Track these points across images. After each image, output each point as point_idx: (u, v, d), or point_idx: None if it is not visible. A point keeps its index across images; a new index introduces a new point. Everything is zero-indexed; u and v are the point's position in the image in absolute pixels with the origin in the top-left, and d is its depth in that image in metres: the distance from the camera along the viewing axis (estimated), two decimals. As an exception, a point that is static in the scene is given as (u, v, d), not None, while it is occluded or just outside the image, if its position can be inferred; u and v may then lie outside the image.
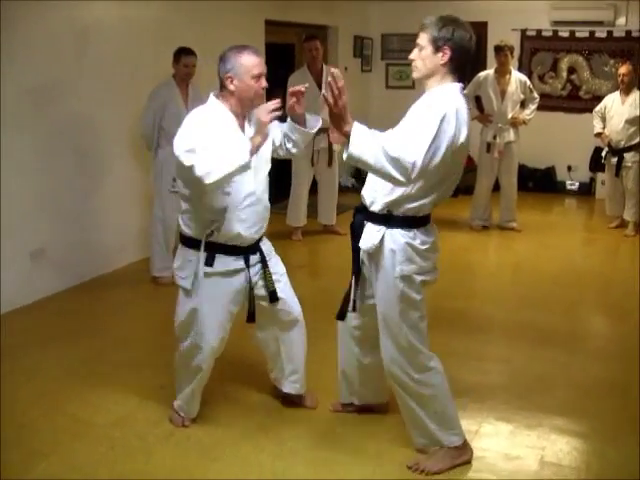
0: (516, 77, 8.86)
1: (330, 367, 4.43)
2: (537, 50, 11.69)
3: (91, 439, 4.09)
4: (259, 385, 4.68)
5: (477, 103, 9.14)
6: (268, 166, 4.04)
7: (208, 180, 3.50)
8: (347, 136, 3.17)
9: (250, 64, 3.73)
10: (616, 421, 4.35)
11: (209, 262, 3.87)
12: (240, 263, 3.94)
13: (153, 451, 3.96)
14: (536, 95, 8.86)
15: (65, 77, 6.50)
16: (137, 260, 7.40)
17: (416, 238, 3.56)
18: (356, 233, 3.71)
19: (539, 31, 11.62)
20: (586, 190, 11.52)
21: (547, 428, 4.23)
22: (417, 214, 3.55)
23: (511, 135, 8.89)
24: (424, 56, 3.48)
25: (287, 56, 10.38)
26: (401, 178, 3.19)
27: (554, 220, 10.26)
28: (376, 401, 4.31)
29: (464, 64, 3.52)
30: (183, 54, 6.69)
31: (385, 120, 12.69)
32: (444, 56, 3.42)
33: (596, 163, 10.98)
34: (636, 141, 8.84)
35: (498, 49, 8.78)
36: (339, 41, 11.40)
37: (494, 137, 8.80)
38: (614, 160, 8.98)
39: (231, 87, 3.75)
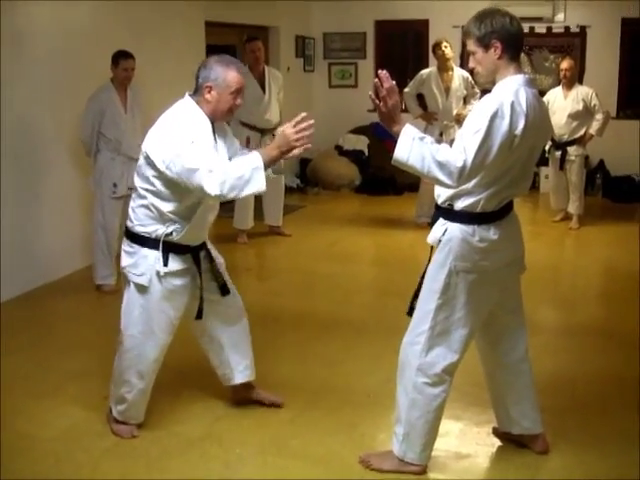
0: (458, 73, 8.89)
1: (277, 368, 4.38)
2: (478, 46, 11.72)
3: (36, 454, 3.99)
4: (205, 392, 4.63)
5: (420, 101, 9.15)
6: None
7: (221, 198, 3.63)
8: (397, 136, 3.18)
9: (232, 81, 3.77)
10: (567, 415, 4.36)
11: (165, 261, 3.86)
12: (190, 261, 3.96)
13: (99, 464, 3.87)
14: (477, 90, 8.89)
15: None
16: (81, 268, 7.25)
17: (475, 234, 3.45)
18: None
19: (480, 27, 11.64)
20: (530, 184, 11.56)
21: (496, 424, 4.19)
22: (475, 209, 3.43)
23: (456, 132, 8.91)
24: (479, 59, 3.41)
25: (228, 57, 10.32)
26: (448, 182, 3.16)
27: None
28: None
29: (519, 48, 3.42)
30: (122, 57, 6.58)
31: (329, 119, 12.78)
32: (496, 50, 3.33)
33: (540, 157, 11.07)
34: (579, 135, 8.93)
35: (435, 45, 8.81)
36: (281, 41, 11.36)
37: (440, 134, 8.80)
38: (558, 154, 9.06)
39: (208, 96, 3.78)
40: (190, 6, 8.82)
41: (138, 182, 3.87)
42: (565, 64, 8.95)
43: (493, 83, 3.42)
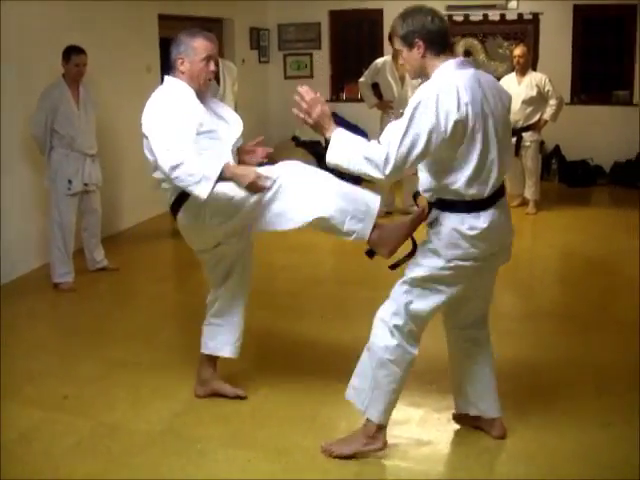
0: (413, 62, 8.90)
1: (236, 361, 4.37)
2: (432, 35, 11.77)
3: (-6, 457, 3.95)
4: (164, 387, 4.62)
5: (375, 90, 9.16)
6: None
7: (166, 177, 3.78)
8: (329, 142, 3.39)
9: (200, 47, 3.95)
10: (526, 399, 4.40)
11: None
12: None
13: (60, 464, 3.83)
14: None
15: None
16: (38, 266, 7.17)
17: (464, 223, 3.46)
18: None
19: (433, 16, 11.68)
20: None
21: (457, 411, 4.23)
22: (463, 198, 3.45)
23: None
24: (406, 57, 3.55)
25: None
26: (377, 175, 3.30)
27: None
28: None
29: (444, 43, 3.48)
30: (73, 53, 6.52)
31: (285, 110, 12.74)
32: (419, 48, 3.45)
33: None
34: (534, 121, 9.01)
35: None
36: (235, 33, 11.32)
37: (395, 123, 8.82)
38: (513, 140, 9.11)
39: (182, 68, 3.96)
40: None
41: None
42: (518, 51, 9.01)
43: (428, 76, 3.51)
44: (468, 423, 4.07)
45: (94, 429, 4.16)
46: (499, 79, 9.36)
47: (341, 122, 12.09)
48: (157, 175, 3.95)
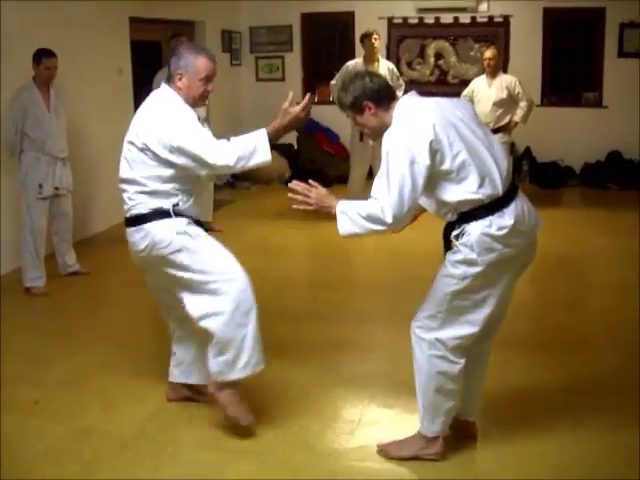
0: (384, 64, 8.97)
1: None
2: (404, 37, 11.86)
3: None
4: (136, 392, 4.61)
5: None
6: None
7: (230, 169, 3.91)
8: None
9: (202, 67, 3.91)
10: (496, 398, 4.41)
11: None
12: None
13: (32, 469, 3.81)
14: (402, 82, 8.98)
15: None
16: (9, 271, 7.12)
17: (492, 225, 3.45)
18: (445, 238, 3.71)
19: (405, 19, 11.79)
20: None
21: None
22: (482, 202, 3.45)
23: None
24: (362, 122, 3.66)
25: (153, 53, 10.21)
26: (381, 228, 3.42)
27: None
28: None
29: (389, 95, 3.62)
30: (44, 56, 6.49)
31: (257, 113, 12.79)
32: (370, 109, 3.57)
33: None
34: (504, 122, 9.05)
35: (365, 36, 8.86)
36: (207, 36, 11.27)
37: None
38: None
39: (179, 84, 3.91)
40: (114, 2, 8.71)
41: (137, 172, 3.89)
42: (488, 53, 9.05)
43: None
44: None
45: (66, 434, 4.15)
46: (469, 82, 9.46)
47: (314, 125, 12.15)
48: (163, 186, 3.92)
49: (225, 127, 11.43)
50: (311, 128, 12.01)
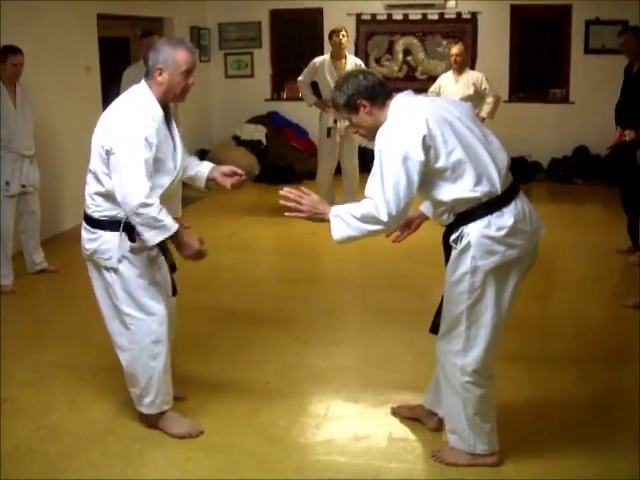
0: (351, 60, 9.00)
1: (176, 361, 4.38)
2: (373, 34, 11.91)
3: None
4: (102, 389, 4.60)
5: (314, 89, 9.23)
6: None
7: (129, 213, 3.66)
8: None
9: (182, 60, 3.76)
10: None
11: (132, 238, 3.82)
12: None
13: (-2, 467, 3.81)
14: None
15: None
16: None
17: (491, 225, 3.38)
18: (445, 244, 3.62)
19: (374, 15, 11.84)
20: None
21: (395, 404, 4.28)
22: (479, 201, 3.39)
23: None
24: (356, 122, 3.57)
25: (122, 50, 10.17)
26: (377, 228, 3.35)
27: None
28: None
29: (384, 93, 3.53)
30: (10, 53, 6.45)
31: (226, 109, 12.77)
32: (365, 107, 3.50)
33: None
34: (473, 118, 9.12)
35: (333, 32, 8.89)
36: (175, 32, 11.20)
37: (335, 122, 8.89)
38: None
39: (159, 79, 3.77)
40: (81, -1, 8.68)
41: (99, 166, 3.78)
42: (455, 49, 9.10)
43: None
44: (406, 414, 4.16)
45: (33, 432, 4.13)
46: (437, 77, 9.51)
47: (282, 121, 12.18)
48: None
49: (194, 124, 11.44)
50: (280, 124, 12.05)
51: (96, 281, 4.05)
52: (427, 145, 3.30)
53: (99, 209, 3.85)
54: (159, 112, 3.79)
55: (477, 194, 3.37)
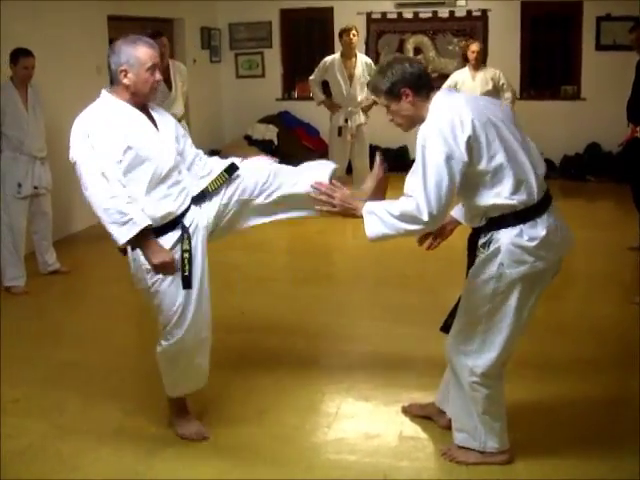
0: (362, 60, 9.01)
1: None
2: (383, 32, 11.90)
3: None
4: (114, 389, 4.63)
5: (325, 89, 9.24)
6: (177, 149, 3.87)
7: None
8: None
9: (144, 56, 3.63)
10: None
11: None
12: (179, 232, 3.77)
13: (8, 467, 3.81)
14: None
15: None
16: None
17: (523, 235, 3.31)
18: (470, 248, 3.56)
19: (384, 14, 11.83)
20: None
21: (406, 403, 4.28)
22: (515, 209, 3.32)
23: (361, 118, 9.04)
24: (394, 111, 3.45)
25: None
26: (416, 227, 3.25)
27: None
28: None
29: (429, 84, 3.42)
30: (21, 55, 6.48)
31: (237, 109, 12.80)
32: (407, 97, 3.36)
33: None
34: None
35: (343, 32, 8.90)
36: (186, 33, 11.29)
37: (345, 121, 8.90)
38: None
39: (125, 81, 3.63)
40: (92, 0, 8.69)
41: None
42: (475, 46, 9.10)
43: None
44: (417, 413, 4.17)
45: (45, 431, 4.16)
46: (448, 75, 9.50)
47: (293, 120, 12.18)
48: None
49: (206, 124, 11.47)
50: (291, 123, 12.04)
51: None
52: (471, 146, 3.21)
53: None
54: (128, 108, 3.68)
55: (514, 202, 3.30)
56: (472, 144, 3.22)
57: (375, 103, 8.86)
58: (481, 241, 3.44)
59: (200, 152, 4.08)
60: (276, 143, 11.76)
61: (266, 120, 12.06)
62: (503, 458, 3.69)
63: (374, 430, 4.07)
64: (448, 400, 3.89)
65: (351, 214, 3.45)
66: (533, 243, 3.32)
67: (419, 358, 4.96)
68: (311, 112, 11.12)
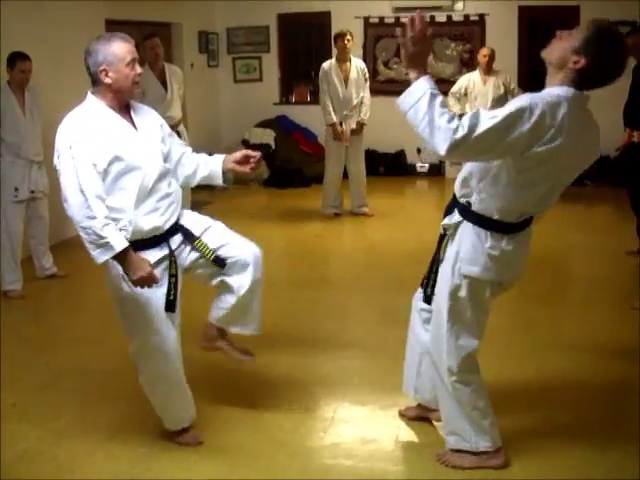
0: (356, 64, 9.01)
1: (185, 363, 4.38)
2: (380, 37, 11.91)
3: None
4: (111, 394, 4.63)
5: (316, 95, 9.28)
6: (162, 153, 3.84)
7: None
8: (412, 81, 3.06)
9: (123, 52, 3.55)
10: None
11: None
12: (165, 251, 3.77)
13: (5, 472, 3.80)
14: (367, 86, 9.02)
15: None
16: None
17: (487, 240, 3.35)
18: (445, 215, 3.57)
19: (382, 18, 11.85)
20: (436, 171, 11.80)
21: (402, 407, 4.28)
22: (493, 216, 3.33)
23: (354, 121, 9.02)
24: (556, 46, 3.23)
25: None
26: (437, 147, 2.98)
27: (406, 202, 10.56)
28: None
29: (600, 81, 3.21)
30: (19, 59, 6.50)
31: (234, 113, 12.79)
32: (576, 64, 3.12)
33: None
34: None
35: (338, 36, 8.91)
36: (184, 37, 11.31)
37: (340, 124, 8.89)
38: None
39: (107, 80, 3.56)
40: (90, 4, 8.71)
41: None
42: (486, 50, 9.18)
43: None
44: (413, 415, 4.17)
45: (41, 436, 4.15)
46: (446, 80, 9.53)
47: (291, 125, 12.18)
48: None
49: (203, 128, 11.47)
50: (288, 128, 12.05)
51: None
52: (538, 132, 3.05)
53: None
54: (111, 114, 3.63)
55: (493, 212, 3.31)
56: (541, 132, 3.05)
57: (363, 125, 8.93)
58: (449, 221, 3.51)
59: (188, 149, 4.04)
60: (273, 147, 11.77)
61: (263, 124, 12.07)
62: (498, 462, 3.68)
63: (370, 434, 4.06)
64: (424, 391, 3.99)
65: (408, 68, 3.09)
66: (493, 252, 3.36)
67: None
68: (308, 116, 11.14)
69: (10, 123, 6.47)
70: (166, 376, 3.89)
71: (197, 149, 4.17)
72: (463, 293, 3.47)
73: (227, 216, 9.16)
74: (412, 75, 3.07)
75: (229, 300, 4.03)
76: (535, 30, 11.49)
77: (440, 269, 3.60)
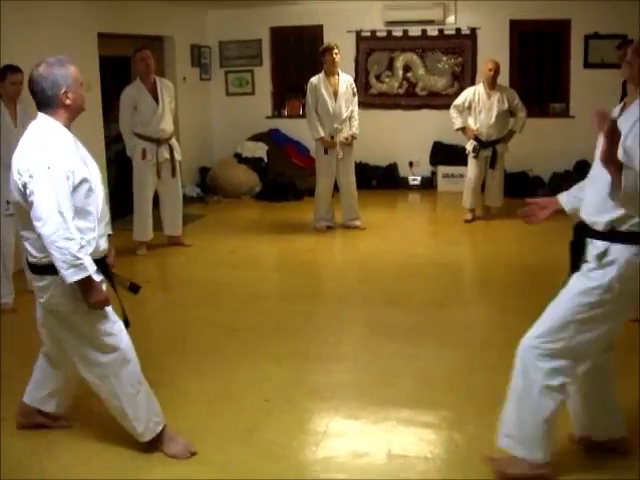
0: (343, 78, 9.00)
1: (176, 378, 4.37)
2: (372, 50, 11.94)
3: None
4: (98, 406, 4.52)
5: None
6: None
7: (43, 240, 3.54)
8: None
9: (77, 74, 3.72)
10: (462, 408, 4.47)
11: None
12: (100, 274, 3.80)
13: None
14: (356, 101, 9.04)
15: None
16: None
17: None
18: (575, 251, 3.53)
19: (373, 32, 11.87)
20: (428, 184, 11.82)
21: (394, 421, 4.30)
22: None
23: (346, 135, 9.01)
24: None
25: (123, 69, 10.19)
26: None
27: (398, 216, 10.56)
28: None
29: None
30: (9, 72, 6.49)
31: (227, 126, 12.79)
32: None
33: (436, 157, 11.37)
34: (504, 134, 9.24)
35: (326, 50, 8.90)
36: (176, 51, 11.32)
37: (331, 137, 8.89)
38: (486, 153, 9.36)
39: (68, 102, 3.68)
40: (82, 17, 8.72)
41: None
42: (491, 64, 9.18)
43: None
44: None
45: (31, 450, 4.14)
46: (438, 93, 9.54)
47: (283, 138, 12.19)
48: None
49: (195, 141, 11.48)
50: (281, 141, 12.06)
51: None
52: None
53: (46, 255, 3.67)
54: (70, 137, 3.74)
55: None
56: None
57: (354, 138, 8.94)
58: (595, 252, 3.39)
59: None
60: (266, 161, 11.78)
61: (256, 138, 12.08)
62: (546, 472, 3.60)
63: (363, 448, 4.05)
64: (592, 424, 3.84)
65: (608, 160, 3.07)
66: None
67: (407, 376, 4.95)
68: (301, 130, 11.13)
69: (2, 135, 6.44)
70: (141, 377, 3.99)
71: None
72: (607, 308, 3.40)
73: (218, 230, 9.32)
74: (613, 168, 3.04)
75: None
76: (526, 43, 11.55)
77: (576, 282, 3.49)
